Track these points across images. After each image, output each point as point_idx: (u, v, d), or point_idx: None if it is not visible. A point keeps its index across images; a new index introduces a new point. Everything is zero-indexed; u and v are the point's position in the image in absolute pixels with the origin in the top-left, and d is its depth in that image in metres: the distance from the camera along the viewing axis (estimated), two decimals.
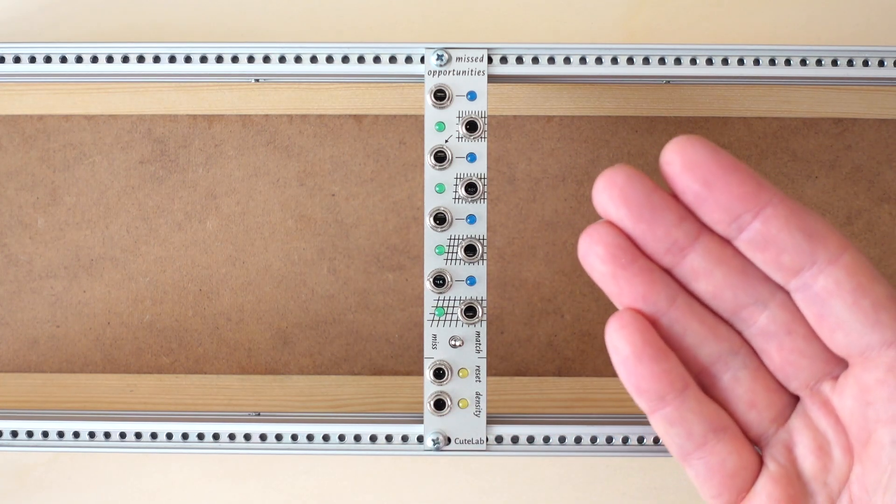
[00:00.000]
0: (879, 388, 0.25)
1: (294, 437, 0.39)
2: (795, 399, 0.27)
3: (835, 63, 0.39)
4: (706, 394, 0.27)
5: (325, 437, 0.39)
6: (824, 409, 0.26)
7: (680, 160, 0.24)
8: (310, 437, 0.39)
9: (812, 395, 0.26)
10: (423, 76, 0.38)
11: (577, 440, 0.38)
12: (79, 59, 0.39)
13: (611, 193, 0.25)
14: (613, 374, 0.44)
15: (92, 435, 0.39)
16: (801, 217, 0.25)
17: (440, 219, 0.38)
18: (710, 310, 0.26)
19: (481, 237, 0.38)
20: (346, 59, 0.39)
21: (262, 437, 0.39)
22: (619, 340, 0.26)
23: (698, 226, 0.25)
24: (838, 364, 0.26)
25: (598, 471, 0.44)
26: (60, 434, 0.39)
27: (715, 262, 0.26)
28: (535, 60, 0.38)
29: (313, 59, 0.39)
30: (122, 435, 0.39)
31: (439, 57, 0.38)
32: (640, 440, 0.38)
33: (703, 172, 0.24)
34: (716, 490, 0.27)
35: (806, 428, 0.26)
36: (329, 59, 0.39)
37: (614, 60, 0.38)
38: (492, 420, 0.38)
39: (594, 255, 0.26)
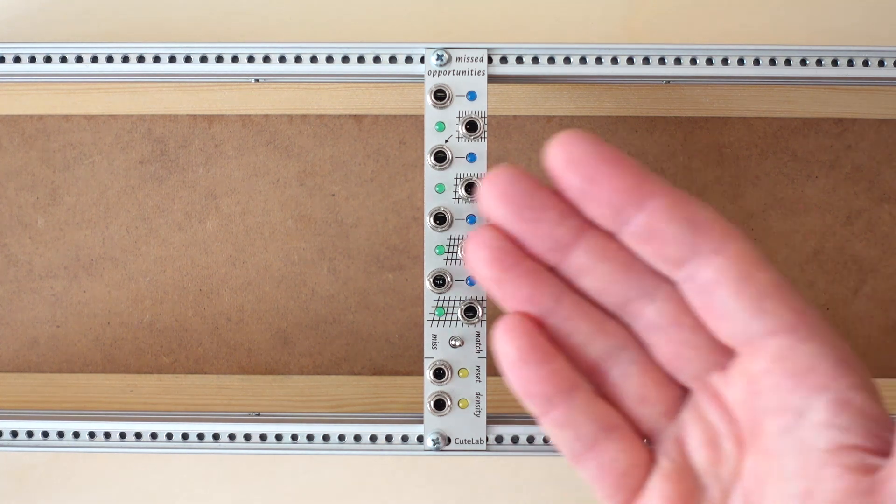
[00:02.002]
0: (765, 377, 0.24)
1: (294, 437, 0.39)
2: (686, 392, 0.27)
3: (835, 63, 0.39)
4: (597, 391, 0.27)
5: (325, 437, 0.39)
6: (714, 401, 0.26)
7: (563, 156, 0.24)
8: (310, 437, 0.39)
9: (702, 387, 0.26)
10: (423, 76, 0.38)
11: None
12: (79, 59, 0.39)
13: (493, 194, 0.25)
14: None
15: (92, 435, 0.39)
16: (684, 208, 0.24)
17: (440, 219, 0.38)
18: (597, 306, 0.26)
19: None
20: (346, 59, 0.39)
21: (262, 437, 0.39)
22: (505, 345, 0.26)
23: (582, 222, 0.25)
24: (727, 354, 0.26)
25: None
26: (60, 434, 0.39)
27: (599, 257, 0.26)
28: (535, 60, 0.38)
29: (313, 59, 0.39)
30: (122, 435, 0.39)
31: (439, 57, 0.38)
32: None
33: (585, 168, 0.24)
34: (609, 490, 0.26)
35: (697, 421, 0.26)
36: (329, 59, 0.39)
37: (614, 60, 0.38)
38: (492, 420, 0.38)
39: (478, 260, 0.26)
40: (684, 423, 0.26)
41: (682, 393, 0.27)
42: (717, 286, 0.25)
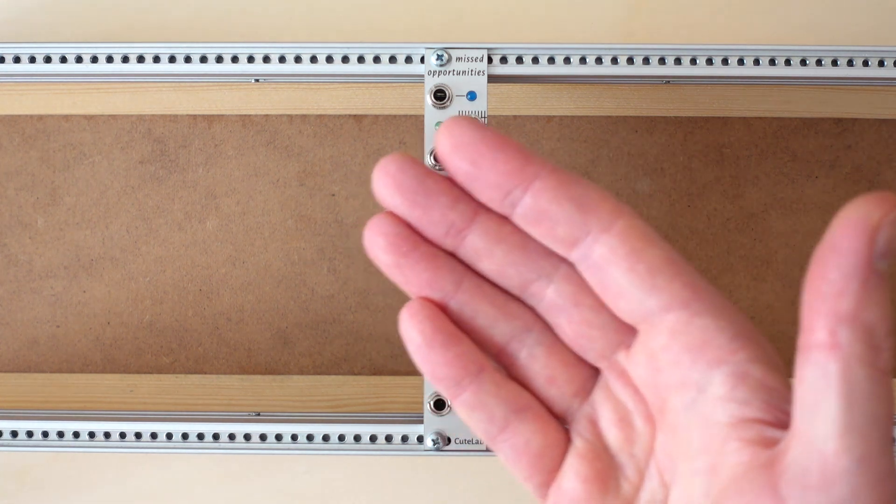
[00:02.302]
0: (664, 353, 0.25)
1: (294, 437, 0.39)
2: (597, 372, 0.27)
3: (835, 63, 0.39)
4: (507, 374, 0.27)
5: (325, 437, 0.39)
6: (622, 380, 0.26)
7: (448, 141, 0.25)
8: (310, 437, 0.39)
9: (609, 366, 0.26)
10: (423, 76, 0.38)
11: None
12: (79, 59, 0.39)
13: (385, 182, 0.25)
14: None
15: (92, 435, 0.39)
16: (570, 187, 0.25)
17: None
18: (499, 289, 0.27)
19: None
20: (346, 59, 0.39)
21: (262, 437, 0.39)
22: (411, 329, 0.26)
23: (474, 206, 0.26)
24: (630, 333, 0.26)
25: None
26: (60, 434, 0.39)
27: (494, 240, 0.26)
28: (535, 60, 0.38)
29: (313, 59, 0.39)
30: (122, 435, 0.39)
31: (439, 57, 0.38)
32: None
33: (470, 152, 0.25)
34: (526, 472, 0.27)
35: (607, 400, 0.26)
36: (329, 59, 0.39)
37: (614, 60, 0.38)
38: None
39: (376, 247, 0.26)
40: (595, 402, 0.27)
41: (593, 373, 0.27)
42: (609, 264, 0.25)
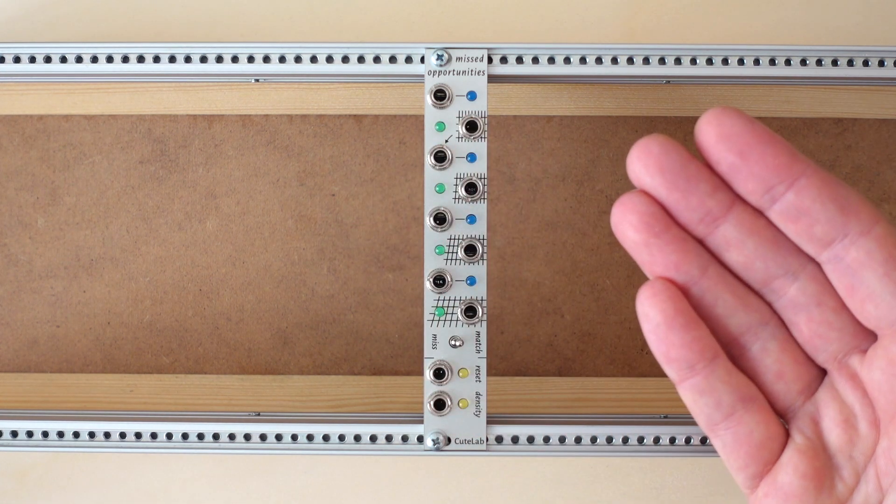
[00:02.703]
0: None
1: (294, 437, 0.39)
2: (823, 372, 0.27)
3: (835, 63, 0.39)
4: (734, 364, 0.27)
5: (325, 437, 0.39)
6: (852, 383, 0.26)
7: (715, 131, 0.24)
8: (310, 437, 0.39)
9: (840, 368, 0.26)
10: (423, 76, 0.38)
11: (577, 440, 0.38)
12: (79, 59, 0.39)
13: (646, 162, 0.25)
14: (613, 374, 0.44)
15: (92, 435, 0.39)
16: (834, 188, 0.25)
17: (440, 219, 0.38)
18: (740, 280, 0.27)
19: (481, 237, 0.38)
20: (346, 59, 0.39)
21: (262, 437, 0.39)
22: (651, 308, 0.26)
23: (731, 196, 0.25)
24: (867, 337, 0.26)
25: (598, 471, 0.44)
26: (60, 434, 0.39)
27: (747, 232, 0.26)
28: (535, 60, 0.38)
29: (313, 59, 0.39)
30: (122, 435, 0.39)
31: (439, 57, 0.38)
32: (640, 440, 0.38)
33: (738, 143, 0.24)
34: (742, 461, 0.27)
35: (833, 401, 0.26)
36: (329, 59, 0.39)
37: (614, 60, 0.38)
38: (492, 420, 0.38)
39: (627, 224, 0.26)
40: (819, 402, 0.27)
41: (820, 373, 0.27)
42: (864, 267, 0.25)
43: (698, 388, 0.26)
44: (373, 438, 0.39)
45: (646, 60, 0.38)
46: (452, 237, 0.38)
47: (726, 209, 0.25)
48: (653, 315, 0.26)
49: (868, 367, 0.26)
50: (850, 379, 0.26)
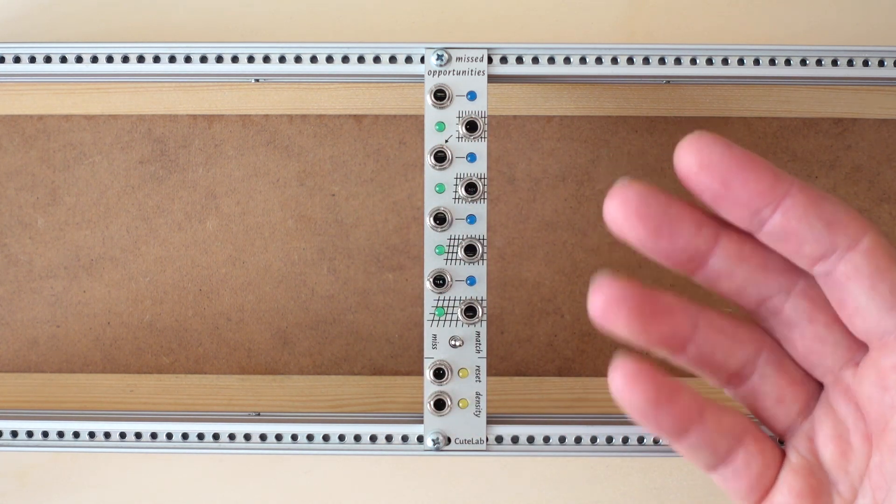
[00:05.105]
0: (894, 373, 0.25)
1: (294, 437, 0.39)
2: (820, 387, 0.27)
3: (835, 63, 0.39)
4: (734, 392, 0.27)
5: (325, 437, 0.39)
6: (845, 396, 0.26)
7: (695, 160, 0.24)
8: (310, 437, 0.39)
9: (835, 383, 0.26)
10: (423, 76, 0.38)
11: (577, 440, 0.38)
12: (79, 59, 0.39)
13: (625, 213, 0.24)
14: None
15: (92, 435, 0.39)
16: (820, 205, 0.24)
17: (440, 219, 0.38)
18: (730, 316, 0.26)
19: (481, 237, 0.38)
20: (346, 59, 0.39)
21: (262, 437, 0.39)
22: (633, 394, 0.25)
23: (717, 226, 0.25)
24: (860, 350, 0.26)
25: (598, 471, 0.44)
26: (60, 434, 0.39)
27: (736, 261, 0.25)
28: (535, 60, 0.38)
29: (313, 59, 0.39)
30: (122, 435, 0.39)
31: (439, 57, 0.38)
32: (640, 440, 0.38)
33: (719, 171, 0.24)
34: (744, 492, 0.27)
35: (827, 416, 0.26)
36: (329, 59, 0.39)
37: (614, 60, 0.38)
38: (492, 420, 0.38)
39: (615, 318, 0.25)
40: (816, 419, 0.27)
41: (817, 388, 0.27)
42: (851, 281, 0.25)
43: (693, 445, 0.26)
44: (373, 438, 0.39)
45: (646, 60, 0.38)
46: (452, 237, 0.38)
47: (713, 242, 0.25)
48: (636, 400, 0.25)
49: (860, 380, 0.26)
50: (844, 393, 0.26)
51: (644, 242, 0.25)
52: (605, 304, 0.25)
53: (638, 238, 0.24)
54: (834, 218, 0.24)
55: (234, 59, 0.39)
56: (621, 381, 0.25)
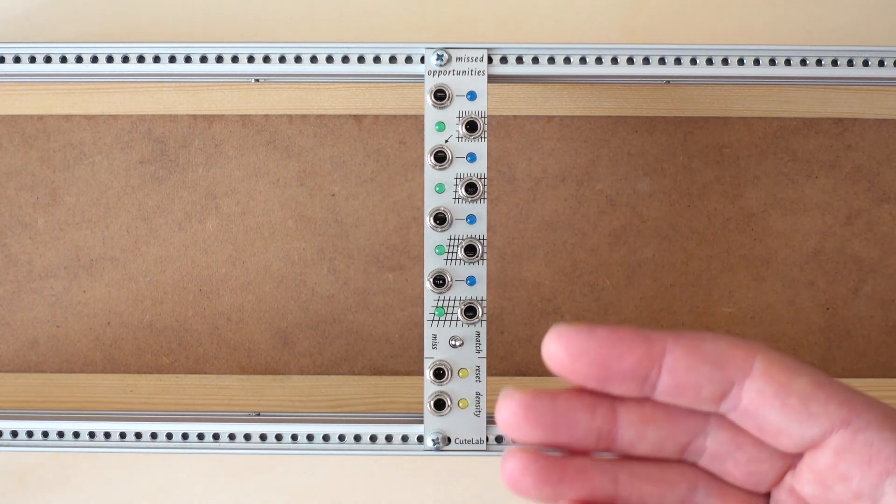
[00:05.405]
0: (831, 472, 0.25)
1: (294, 437, 0.39)
2: (766, 496, 0.27)
3: (835, 63, 0.39)
4: None
5: (325, 437, 0.39)
6: (792, 498, 0.26)
7: (565, 354, 0.24)
8: (310, 437, 0.39)
9: (779, 488, 0.27)
10: (423, 76, 0.38)
11: None
12: (79, 59, 0.39)
13: (516, 422, 0.25)
14: None
15: (92, 435, 0.39)
16: (700, 349, 0.25)
17: (440, 219, 0.38)
18: (652, 461, 0.27)
19: (481, 237, 0.38)
20: (346, 59, 0.39)
21: (262, 437, 0.39)
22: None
23: (610, 402, 0.25)
24: (796, 455, 0.26)
25: None
26: (60, 434, 0.39)
27: (643, 424, 0.26)
28: (535, 60, 0.38)
29: (313, 59, 0.39)
30: (122, 435, 0.39)
31: (439, 57, 0.38)
32: None
33: (591, 357, 0.24)
34: None
35: None
36: (329, 59, 0.39)
37: (614, 60, 0.38)
38: (492, 420, 0.38)
39: (527, 486, 0.25)
40: None
41: (764, 499, 0.27)
42: (760, 407, 0.25)
43: None
44: (373, 438, 0.39)
45: (646, 60, 0.38)
46: (452, 237, 0.38)
47: (613, 418, 0.25)
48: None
49: (801, 482, 0.26)
50: (790, 495, 0.26)
51: (543, 441, 0.25)
52: (513, 473, 0.25)
53: (537, 440, 0.25)
54: (718, 355, 0.25)
55: (234, 59, 0.39)
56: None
